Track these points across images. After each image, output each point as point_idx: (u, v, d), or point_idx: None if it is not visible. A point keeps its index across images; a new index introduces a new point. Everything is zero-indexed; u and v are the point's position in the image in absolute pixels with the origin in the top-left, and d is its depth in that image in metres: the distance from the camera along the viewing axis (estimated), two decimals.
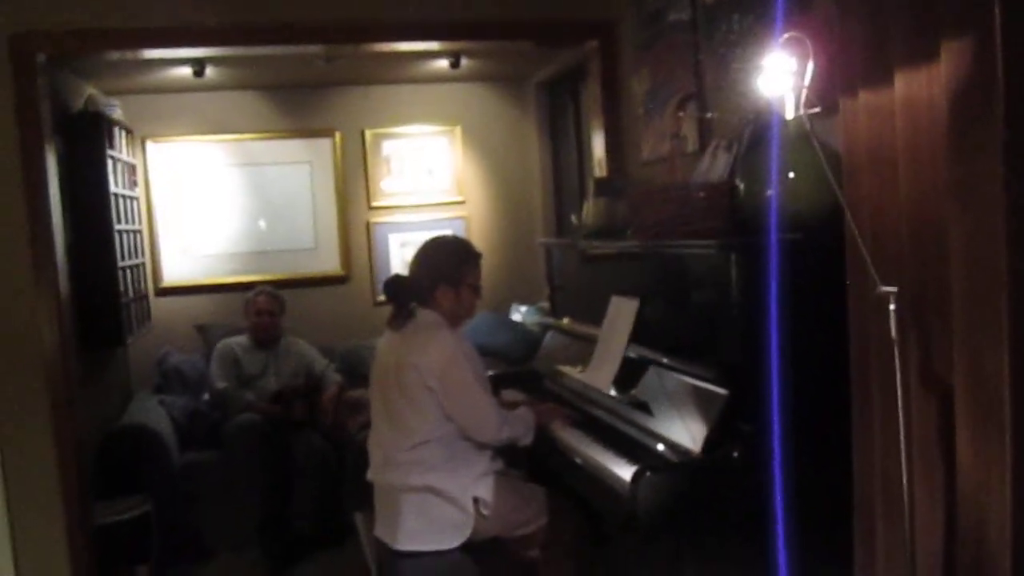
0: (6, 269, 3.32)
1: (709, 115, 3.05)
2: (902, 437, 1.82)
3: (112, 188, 4.07)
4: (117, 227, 4.11)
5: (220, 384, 4.29)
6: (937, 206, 1.79)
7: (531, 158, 5.56)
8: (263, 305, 4.45)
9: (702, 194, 2.43)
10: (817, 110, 1.93)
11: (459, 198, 5.46)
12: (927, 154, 1.81)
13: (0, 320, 3.33)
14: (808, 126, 1.95)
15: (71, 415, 3.43)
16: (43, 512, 3.39)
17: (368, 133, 5.31)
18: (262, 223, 5.20)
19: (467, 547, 2.57)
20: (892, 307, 1.79)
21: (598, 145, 4.11)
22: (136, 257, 4.60)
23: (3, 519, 3.37)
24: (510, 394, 3.30)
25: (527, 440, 2.73)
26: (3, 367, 3.34)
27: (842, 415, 2.09)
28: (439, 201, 5.43)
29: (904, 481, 1.83)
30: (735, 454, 2.12)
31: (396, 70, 4.94)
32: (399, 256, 5.27)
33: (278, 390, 4.26)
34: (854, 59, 1.97)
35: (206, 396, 4.44)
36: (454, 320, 2.71)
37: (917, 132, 1.82)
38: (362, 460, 2.82)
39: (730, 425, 2.17)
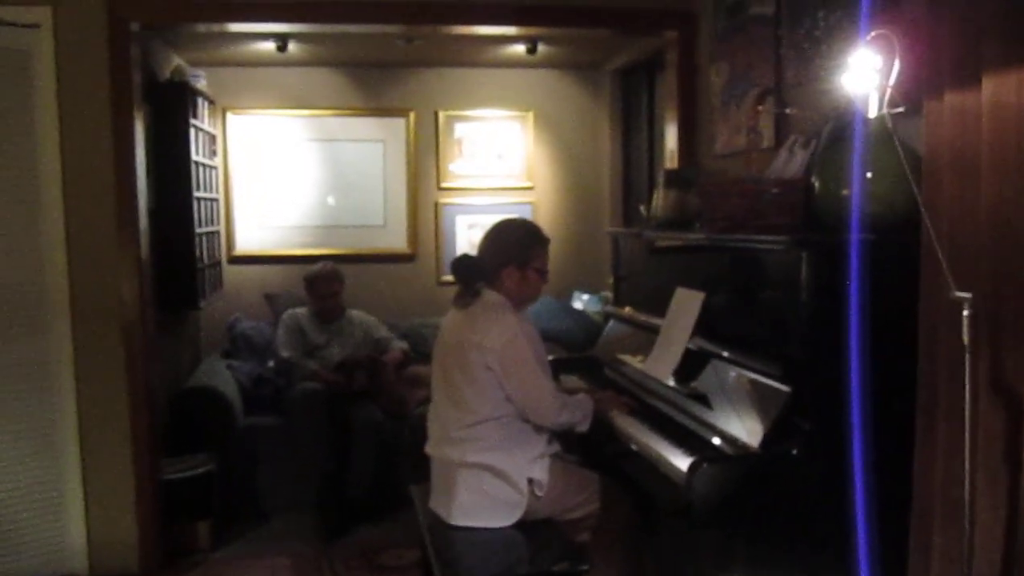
0: (93, 227, 3.46)
1: (788, 110, 3.02)
2: (967, 445, 1.80)
3: (193, 156, 4.20)
4: (196, 194, 4.23)
5: (285, 352, 4.40)
6: (1019, 214, 1.76)
7: (602, 146, 5.55)
8: (323, 276, 4.53)
9: (776, 190, 2.42)
10: (901, 110, 1.91)
11: (528, 183, 5.49)
12: (1012, 160, 1.78)
13: (84, 276, 3.47)
14: (890, 126, 1.92)
15: (145, 372, 3.57)
16: (114, 463, 3.54)
17: (442, 114, 5.36)
18: (333, 198, 5.30)
19: (519, 526, 2.61)
20: (966, 313, 1.76)
21: (671, 136, 4.09)
22: (212, 225, 4.74)
23: (76, 467, 3.52)
24: (570, 380, 3.32)
25: (584, 426, 2.75)
26: (86, 322, 3.48)
27: (908, 419, 2.07)
28: (508, 185, 5.47)
29: (966, 490, 1.81)
30: (794, 451, 2.11)
31: (473, 53, 4.99)
32: (466, 237, 5.33)
33: (341, 360, 4.36)
34: (942, 60, 1.94)
35: (271, 363, 4.56)
36: (519, 302, 2.74)
37: (1004, 137, 1.79)
38: (420, 434, 2.87)
39: (790, 422, 2.17)
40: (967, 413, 1.79)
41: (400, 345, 4.64)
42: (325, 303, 4.53)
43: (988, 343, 1.84)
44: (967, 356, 1.78)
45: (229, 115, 5.13)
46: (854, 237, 2.05)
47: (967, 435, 1.80)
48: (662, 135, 4.34)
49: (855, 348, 1.98)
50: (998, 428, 1.83)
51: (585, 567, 2.40)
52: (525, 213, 5.27)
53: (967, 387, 1.79)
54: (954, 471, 1.90)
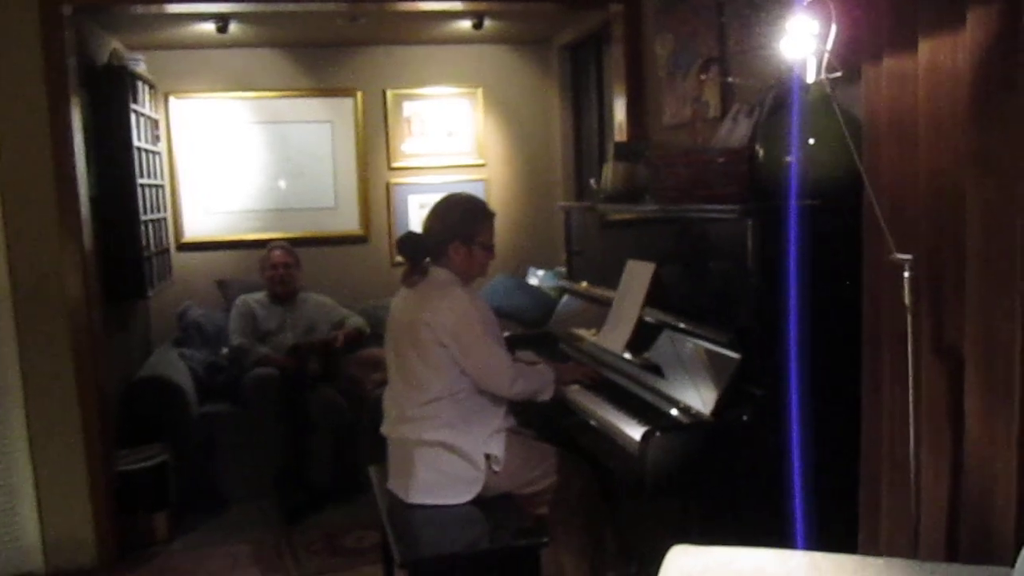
0: (33, 219, 3.37)
1: (731, 79, 3.03)
2: (911, 404, 1.84)
3: (135, 142, 4.11)
4: (140, 181, 4.14)
5: (237, 340, 4.35)
6: (957, 175, 1.79)
7: (552, 121, 5.54)
8: (278, 258, 4.50)
9: (721, 159, 2.43)
10: (839, 75, 1.92)
11: (480, 160, 5.46)
12: (949, 122, 1.81)
13: (27, 269, 3.39)
14: (829, 91, 1.94)
15: (94, 364, 3.50)
16: (66, 458, 3.47)
17: (390, 93, 5.30)
18: (283, 181, 5.22)
19: (478, 502, 2.62)
20: (907, 274, 1.79)
21: (619, 109, 4.09)
22: (158, 212, 4.65)
23: (27, 464, 3.45)
24: (525, 355, 3.32)
25: (546, 395, 2.74)
26: (30, 316, 3.40)
27: (853, 381, 2.10)
28: (459, 163, 5.43)
29: (911, 449, 1.85)
30: (745, 417, 2.14)
31: (419, 30, 4.93)
32: (418, 217, 5.29)
33: (294, 345, 4.32)
34: (878, 24, 1.96)
35: (224, 350, 4.51)
36: (467, 278, 2.72)
37: (940, 100, 1.82)
38: (377, 416, 2.86)
39: (741, 389, 2.19)
40: (910, 373, 1.83)
41: (356, 322, 4.60)
42: (275, 272, 4.48)
43: (929, 304, 1.88)
44: (908, 317, 1.81)
45: (171, 99, 5.02)
46: (796, 204, 2.07)
47: (911, 395, 1.84)
48: (611, 108, 4.34)
49: (798, 314, 2.01)
50: (941, 387, 1.87)
51: (545, 540, 2.42)
52: (478, 191, 5.24)
53: (909, 347, 1.82)
54: (900, 431, 1.94)
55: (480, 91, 5.42)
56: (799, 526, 1.88)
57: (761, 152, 2.35)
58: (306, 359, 4.26)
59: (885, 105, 1.97)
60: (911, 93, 1.89)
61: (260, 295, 4.54)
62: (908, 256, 1.80)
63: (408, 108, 5.35)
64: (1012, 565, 1.34)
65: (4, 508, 3.42)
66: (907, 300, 1.80)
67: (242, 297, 4.53)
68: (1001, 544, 1.69)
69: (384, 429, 2.78)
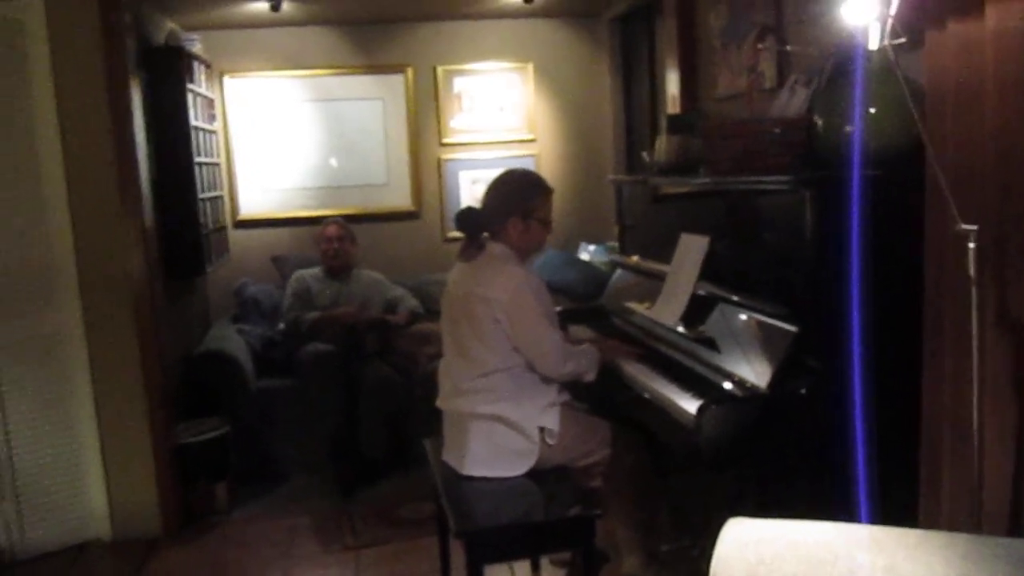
0: (95, 199, 3.46)
1: (789, 48, 2.97)
2: (975, 377, 1.80)
3: (192, 122, 4.18)
4: (197, 160, 4.22)
5: (292, 313, 4.43)
6: (1023, 144, 1.74)
7: (603, 95, 5.50)
8: (332, 232, 4.57)
9: (778, 129, 2.39)
10: (902, 41, 1.87)
11: (530, 135, 5.45)
12: (1016, 88, 1.75)
13: (90, 249, 3.48)
14: (892, 58, 1.89)
15: (156, 339, 3.59)
16: (131, 431, 3.58)
17: (440, 69, 5.31)
18: (335, 159, 5.27)
19: (532, 475, 2.64)
20: (972, 245, 1.75)
21: (672, 81, 4.04)
22: (215, 190, 4.73)
23: (94, 437, 3.57)
24: (577, 330, 3.33)
25: (591, 376, 2.76)
26: (94, 293, 3.51)
27: (914, 354, 2.07)
28: (510, 139, 5.43)
29: (974, 421, 1.82)
30: (802, 391, 2.12)
31: (469, 5, 4.92)
32: (469, 192, 5.31)
33: (351, 325, 4.37)
34: None
35: (281, 326, 4.59)
36: (524, 253, 2.73)
37: (1007, 65, 1.76)
38: (431, 389, 2.89)
39: (798, 362, 2.17)
40: (974, 345, 1.79)
41: (410, 303, 4.65)
42: (330, 246, 4.54)
43: (994, 275, 1.83)
44: (973, 288, 1.77)
45: (226, 79, 5.09)
46: (857, 173, 2.03)
47: (975, 367, 1.80)
48: (663, 81, 4.29)
49: (857, 286, 1.97)
50: (1005, 359, 1.83)
51: (598, 512, 2.43)
52: (528, 166, 5.23)
53: (974, 319, 1.79)
54: (962, 404, 1.90)
55: (530, 66, 5.39)
56: (859, 499, 1.85)
57: (820, 122, 2.31)
58: (363, 336, 4.32)
59: (950, 71, 1.91)
60: (977, 58, 1.84)
61: (315, 270, 4.60)
62: (973, 227, 1.76)
63: (458, 84, 5.35)
64: None
65: (73, 480, 3.54)
66: (972, 271, 1.76)
67: (298, 272, 4.60)
68: None
69: (439, 402, 2.81)
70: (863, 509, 1.76)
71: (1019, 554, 1.47)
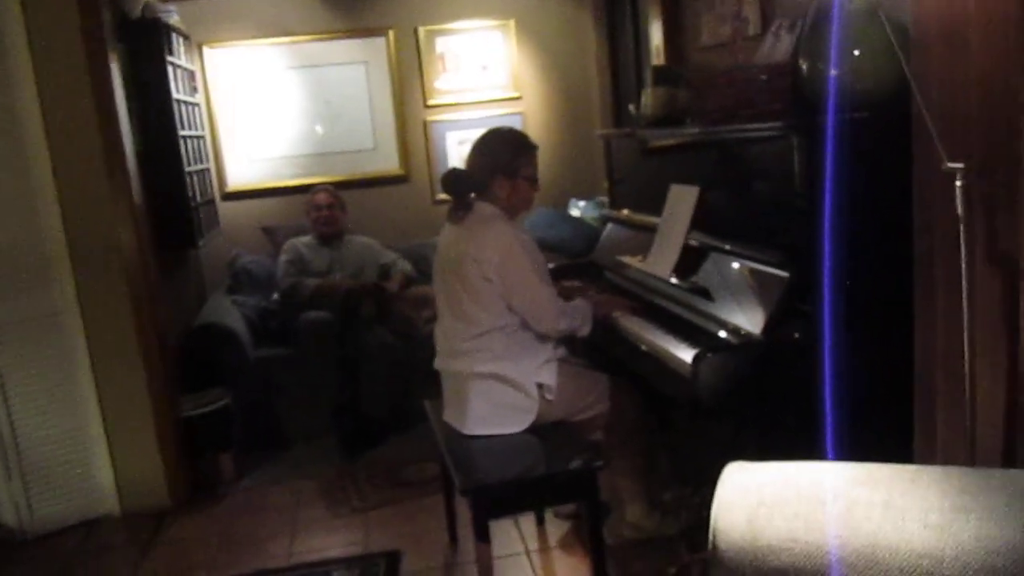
0: (83, 176, 3.44)
1: None
2: (965, 314, 1.83)
3: (174, 94, 4.14)
4: (181, 133, 4.18)
5: (288, 280, 4.43)
6: (1009, 80, 1.74)
7: (587, 49, 5.45)
8: (322, 200, 4.57)
9: (764, 76, 2.39)
10: None
11: (515, 93, 5.41)
12: (1001, 25, 1.75)
13: (81, 225, 3.47)
14: None
15: (153, 313, 3.60)
16: (133, 405, 3.60)
17: (422, 30, 5.25)
18: (320, 126, 5.24)
19: (533, 430, 2.67)
20: (959, 183, 1.77)
21: (656, 32, 4.02)
22: (201, 163, 4.70)
23: (97, 414, 3.59)
24: (571, 284, 3.34)
25: (585, 331, 2.78)
26: (88, 270, 3.50)
27: (906, 295, 2.09)
28: (495, 97, 5.39)
29: (966, 358, 1.85)
30: (796, 335, 2.15)
31: None
32: (457, 154, 5.29)
33: (347, 291, 4.37)
34: None
35: (276, 295, 4.60)
36: (512, 212, 2.74)
37: (991, 1, 1.76)
38: (429, 351, 2.91)
39: (791, 307, 2.20)
40: (964, 282, 1.82)
41: (404, 267, 4.66)
42: (320, 213, 4.55)
43: (982, 212, 1.85)
44: (962, 227, 1.79)
45: (206, 49, 5.03)
46: (842, 117, 2.03)
47: (964, 304, 1.82)
48: (647, 33, 4.26)
49: (847, 229, 1.99)
50: (995, 295, 1.85)
51: (600, 463, 2.47)
52: (515, 124, 5.21)
53: (963, 257, 1.81)
54: (955, 341, 1.93)
55: (512, 22, 5.34)
56: (851, 441, 1.89)
57: (805, 67, 2.30)
58: (359, 303, 4.33)
59: (934, 10, 1.91)
60: None
61: (307, 238, 4.60)
62: (960, 165, 1.77)
63: (441, 44, 5.30)
64: None
65: (79, 456, 3.57)
66: (960, 210, 1.78)
67: (290, 241, 4.61)
68: None
69: (437, 363, 2.84)
70: (855, 450, 1.79)
71: (1014, 484, 1.51)
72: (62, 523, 3.55)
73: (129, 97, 3.71)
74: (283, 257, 4.54)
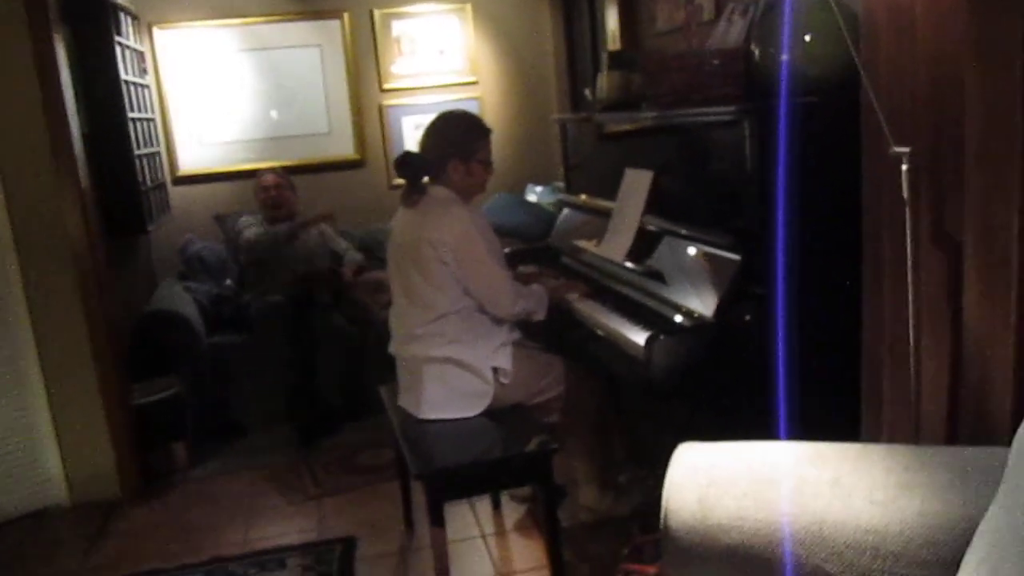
0: (27, 159, 3.35)
1: None
2: (910, 294, 1.86)
3: (122, 76, 4.05)
4: (130, 115, 4.10)
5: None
6: (955, 66, 1.77)
7: (544, 34, 5.44)
8: (268, 180, 4.48)
9: (716, 61, 2.41)
10: None
11: (472, 78, 5.38)
12: (947, 13, 1.78)
13: (26, 210, 3.38)
14: None
15: (101, 300, 3.53)
16: (82, 393, 3.53)
17: (377, 13, 5.20)
18: (274, 110, 5.16)
19: (488, 414, 2.67)
20: (905, 167, 1.79)
21: (611, 18, 4.03)
22: (152, 146, 4.61)
23: (44, 402, 3.51)
24: (526, 268, 3.35)
25: (541, 315, 2.78)
26: (33, 256, 3.41)
27: (854, 276, 2.12)
28: (452, 82, 5.36)
29: (911, 338, 1.88)
30: (747, 317, 2.17)
31: None
32: (413, 138, 5.24)
33: (302, 274, 4.33)
34: None
35: (228, 281, 4.53)
36: (466, 195, 2.73)
37: None
38: (384, 337, 2.90)
39: (743, 290, 2.22)
40: (908, 264, 1.85)
41: (355, 257, 4.62)
42: (267, 194, 4.46)
43: (928, 196, 1.88)
44: (907, 209, 1.82)
45: (155, 30, 4.92)
46: (793, 102, 2.05)
47: (909, 285, 1.86)
48: (603, 17, 4.26)
49: (797, 212, 2.01)
50: (940, 277, 1.89)
51: (554, 446, 2.47)
52: (472, 108, 5.17)
53: (908, 239, 1.84)
54: (900, 321, 1.97)
55: (469, 7, 5.30)
56: (801, 421, 1.92)
57: (757, 51, 2.32)
58: (314, 289, 4.29)
59: None
60: None
61: (257, 219, 4.51)
62: (906, 149, 1.80)
63: (397, 27, 5.25)
64: (1008, 445, 1.39)
65: (25, 446, 3.49)
66: (905, 193, 1.81)
67: (245, 217, 4.52)
68: (999, 426, 1.73)
69: (392, 348, 2.82)
70: (804, 429, 1.82)
71: (955, 460, 1.54)
72: (8, 515, 3.47)
73: (75, 78, 3.62)
74: (240, 224, 4.44)
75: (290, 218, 4.52)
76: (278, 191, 4.47)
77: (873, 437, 2.11)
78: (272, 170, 4.57)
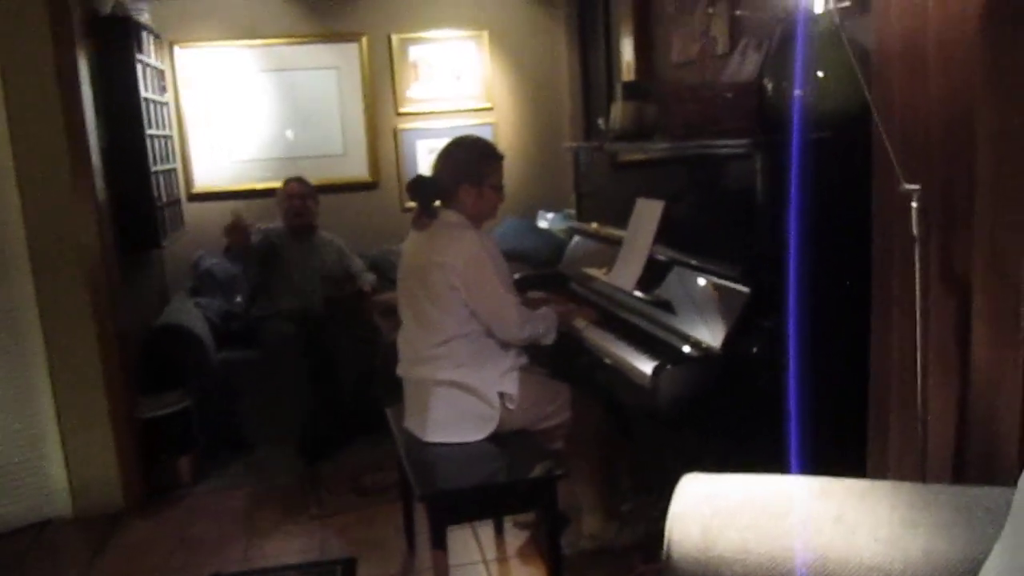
0: (46, 171, 3.39)
1: (739, 13, 3.00)
2: (919, 333, 1.86)
3: (142, 93, 4.10)
4: (148, 132, 4.14)
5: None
6: (967, 105, 1.79)
7: (560, 63, 5.49)
8: (294, 189, 4.46)
9: (729, 94, 2.43)
10: (847, 4, 1.91)
11: (487, 104, 5.43)
12: (959, 51, 1.79)
13: (42, 222, 3.42)
14: (837, 21, 1.92)
15: (113, 313, 3.55)
16: (90, 405, 3.55)
17: (395, 38, 5.26)
18: (290, 130, 5.21)
19: (493, 439, 2.67)
20: (915, 205, 1.80)
21: (627, 48, 4.06)
22: (168, 162, 4.66)
23: (51, 413, 3.53)
24: (534, 293, 3.36)
25: (549, 339, 2.79)
26: (47, 267, 3.45)
27: (863, 312, 2.13)
28: (467, 107, 5.41)
29: (919, 376, 1.88)
30: (755, 349, 2.17)
31: None
32: (427, 162, 5.23)
33: (327, 297, 4.34)
34: None
35: (238, 298, 4.54)
36: (477, 220, 2.74)
37: (950, 28, 1.80)
38: (392, 358, 2.91)
39: (752, 322, 2.22)
40: (917, 303, 1.85)
41: (369, 279, 4.63)
42: (292, 203, 4.44)
43: (938, 234, 1.89)
44: (916, 247, 1.83)
45: (176, 49, 4.99)
46: (805, 137, 2.07)
47: (918, 324, 1.86)
48: (619, 48, 4.30)
49: (807, 247, 2.02)
50: (949, 315, 1.89)
51: (559, 473, 2.47)
52: (486, 134, 5.21)
53: (917, 277, 1.84)
54: (908, 359, 1.97)
55: (486, 33, 5.36)
56: (807, 454, 1.92)
57: (770, 86, 2.34)
58: (336, 309, 4.30)
59: (895, 34, 1.95)
60: (921, 21, 1.88)
61: (279, 229, 4.49)
62: (916, 187, 1.81)
63: (414, 52, 5.31)
64: (1015, 485, 1.38)
65: (30, 456, 3.51)
66: (915, 231, 1.81)
67: (262, 229, 4.52)
68: (1005, 466, 1.73)
69: (399, 370, 2.83)
70: (810, 464, 1.82)
71: (960, 499, 1.54)
72: (12, 525, 3.48)
73: (96, 94, 3.68)
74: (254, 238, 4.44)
75: (312, 230, 4.52)
76: (302, 201, 4.46)
77: (879, 473, 2.10)
78: (296, 179, 4.54)
